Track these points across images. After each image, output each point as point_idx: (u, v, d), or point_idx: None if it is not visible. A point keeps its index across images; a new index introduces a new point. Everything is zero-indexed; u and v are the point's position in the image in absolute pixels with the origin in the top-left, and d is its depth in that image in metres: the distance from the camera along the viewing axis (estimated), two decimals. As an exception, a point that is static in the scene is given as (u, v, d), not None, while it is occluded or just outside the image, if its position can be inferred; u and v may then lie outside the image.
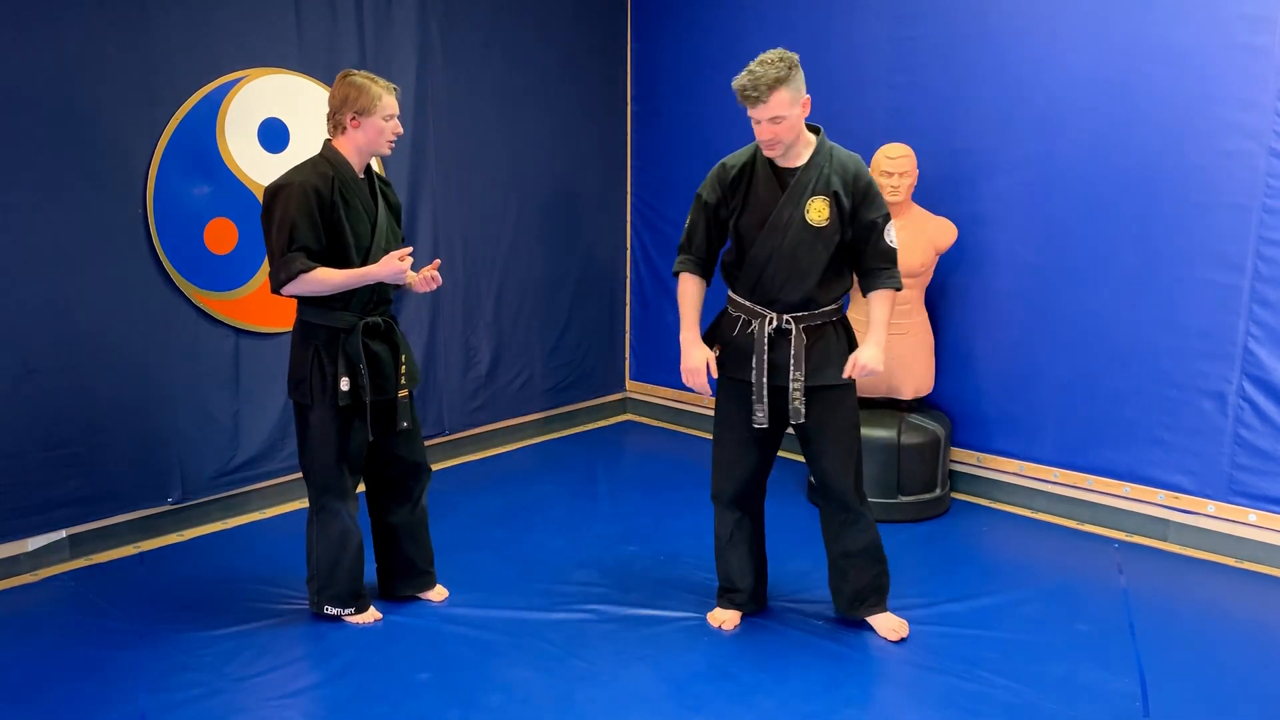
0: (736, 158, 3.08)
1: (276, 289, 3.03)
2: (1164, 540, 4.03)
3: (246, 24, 3.98)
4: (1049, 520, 4.27)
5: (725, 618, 3.30)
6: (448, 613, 3.36)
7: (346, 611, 3.27)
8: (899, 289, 3.08)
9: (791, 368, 3.02)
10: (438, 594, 3.47)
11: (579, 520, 4.21)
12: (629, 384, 5.82)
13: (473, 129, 4.82)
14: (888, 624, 3.24)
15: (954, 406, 4.53)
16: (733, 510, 3.23)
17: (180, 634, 3.19)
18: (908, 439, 4.17)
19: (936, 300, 4.49)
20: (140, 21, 3.69)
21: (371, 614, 3.30)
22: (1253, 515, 3.82)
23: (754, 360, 3.04)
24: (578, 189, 5.39)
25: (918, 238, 4.19)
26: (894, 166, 4.13)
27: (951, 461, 4.51)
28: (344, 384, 3.07)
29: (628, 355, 5.80)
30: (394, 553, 3.39)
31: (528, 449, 5.22)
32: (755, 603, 3.35)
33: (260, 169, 4.05)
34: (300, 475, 4.25)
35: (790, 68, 2.85)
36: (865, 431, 4.18)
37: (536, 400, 5.34)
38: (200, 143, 3.89)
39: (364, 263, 3.09)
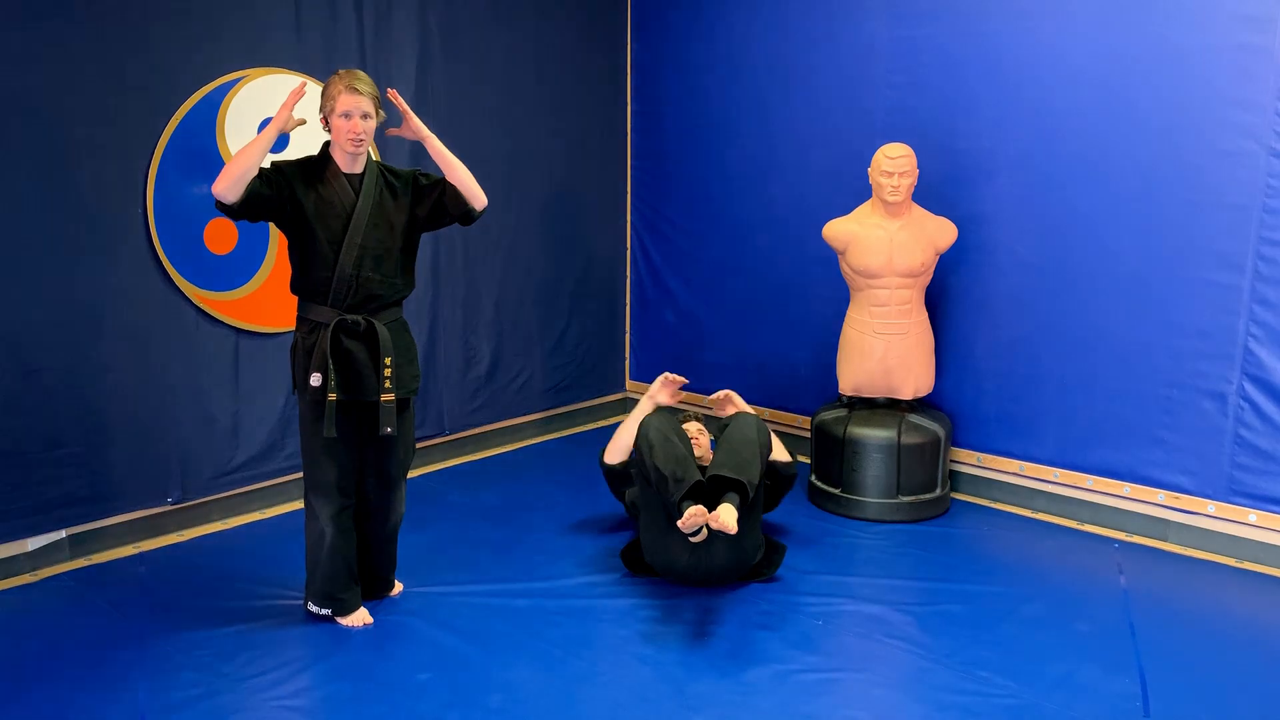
0: None
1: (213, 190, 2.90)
2: (1164, 540, 4.03)
3: (246, 24, 3.98)
4: (1049, 520, 4.27)
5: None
6: (448, 612, 3.36)
7: (324, 612, 3.25)
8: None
9: None
10: (396, 588, 3.49)
11: (579, 520, 4.21)
12: (629, 384, 5.82)
13: (473, 129, 4.82)
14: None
15: (954, 406, 4.53)
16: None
17: (180, 634, 3.19)
18: (908, 439, 4.17)
19: (936, 300, 4.49)
20: (140, 22, 3.69)
21: (358, 617, 3.26)
22: (1253, 515, 3.82)
23: None
24: (578, 189, 5.38)
25: (918, 238, 4.19)
26: (894, 166, 4.13)
27: (951, 461, 4.51)
28: (314, 379, 3.03)
29: (628, 355, 5.80)
30: (359, 561, 3.32)
31: (528, 449, 5.22)
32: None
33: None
34: (300, 475, 4.31)
35: None
36: (866, 431, 4.19)
37: (536, 400, 5.34)
38: (200, 143, 3.89)
39: (336, 256, 3.03)
